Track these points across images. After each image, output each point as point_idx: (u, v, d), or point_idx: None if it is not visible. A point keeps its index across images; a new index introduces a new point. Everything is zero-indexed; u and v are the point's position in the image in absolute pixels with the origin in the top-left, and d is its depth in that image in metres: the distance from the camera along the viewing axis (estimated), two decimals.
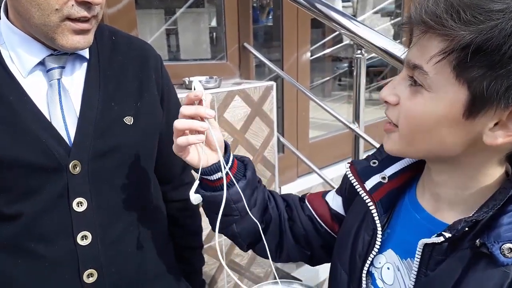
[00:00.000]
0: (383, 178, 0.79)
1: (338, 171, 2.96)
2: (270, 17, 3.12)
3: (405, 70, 0.65)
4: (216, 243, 1.95)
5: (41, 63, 0.89)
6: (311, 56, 3.10)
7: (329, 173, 2.57)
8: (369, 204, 0.78)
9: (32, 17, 0.81)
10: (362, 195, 0.79)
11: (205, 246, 1.86)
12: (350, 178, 0.82)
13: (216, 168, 0.85)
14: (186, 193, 1.23)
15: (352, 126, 1.90)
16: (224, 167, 0.84)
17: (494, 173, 0.66)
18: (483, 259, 0.60)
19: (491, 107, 0.56)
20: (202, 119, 0.80)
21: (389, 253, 0.77)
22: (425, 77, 0.60)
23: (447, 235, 0.62)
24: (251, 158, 2.05)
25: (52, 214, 0.88)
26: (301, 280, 2.04)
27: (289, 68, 2.72)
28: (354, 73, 1.90)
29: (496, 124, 0.58)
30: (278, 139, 2.27)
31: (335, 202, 0.97)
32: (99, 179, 0.93)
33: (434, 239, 0.64)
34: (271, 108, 2.12)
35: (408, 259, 0.73)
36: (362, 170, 0.82)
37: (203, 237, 1.74)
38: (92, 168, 0.91)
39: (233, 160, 0.89)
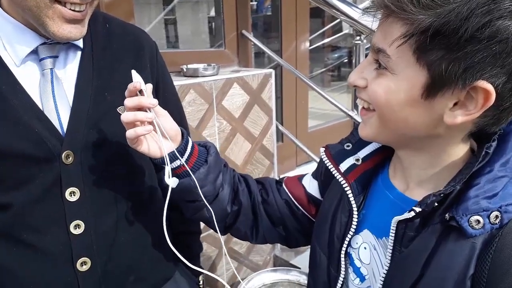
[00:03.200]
0: (357, 160, 0.82)
1: None
2: (269, 6, 3.10)
3: (371, 54, 0.68)
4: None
5: (34, 52, 0.88)
6: (310, 45, 3.08)
7: None
8: (344, 186, 0.80)
9: None
10: (337, 177, 0.82)
11: (204, 234, 1.86)
12: (325, 162, 0.84)
13: (173, 156, 0.87)
14: None
15: (351, 113, 1.89)
16: (178, 157, 0.87)
17: (458, 151, 0.69)
18: (453, 233, 0.63)
19: (449, 88, 0.59)
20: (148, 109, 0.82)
21: (365, 233, 0.80)
22: (388, 60, 0.63)
23: (418, 209, 0.65)
24: (249, 146, 2.05)
25: (45, 204, 0.88)
26: (299, 268, 2.05)
27: (288, 58, 2.71)
28: (353, 60, 1.89)
29: (455, 104, 0.61)
30: (277, 127, 2.26)
31: (311, 185, 0.99)
32: (92, 169, 0.92)
33: (406, 215, 0.67)
34: (270, 96, 2.11)
35: (384, 238, 0.75)
36: (336, 153, 0.84)
37: (202, 225, 1.74)
38: (85, 157, 0.90)
39: (192, 147, 0.91)
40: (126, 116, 0.81)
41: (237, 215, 0.99)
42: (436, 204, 0.64)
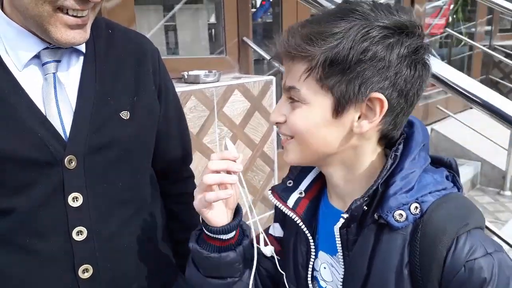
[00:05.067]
0: (300, 193, 0.88)
1: None
2: (269, 13, 3.11)
3: (284, 94, 0.79)
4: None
5: (37, 57, 0.87)
6: None
7: None
8: (295, 219, 0.86)
9: (26, 8, 0.79)
10: (288, 213, 0.86)
11: None
12: (274, 202, 0.88)
13: (230, 228, 0.85)
14: (184, 187, 1.24)
15: None
16: (243, 229, 0.90)
17: (373, 158, 0.79)
18: (385, 229, 0.73)
19: (351, 103, 0.71)
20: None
21: (322, 255, 0.87)
22: (299, 93, 0.74)
23: (345, 215, 0.75)
24: (250, 153, 2.04)
25: (47, 209, 0.87)
26: None
27: None
28: None
29: (359, 117, 0.73)
30: (278, 134, 2.25)
31: (277, 230, 1.01)
32: (95, 174, 0.91)
33: (339, 222, 0.76)
34: (271, 103, 2.11)
35: (336, 254, 0.82)
36: (282, 192, 0.89)
37: None
38: (88, 163, 0.89)
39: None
40: (211, 178, 0.80)
41: None
42: (365, 208, 0.74)
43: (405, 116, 0.76)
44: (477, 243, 0.68)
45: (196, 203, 0.84)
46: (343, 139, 0.75)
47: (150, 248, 1.08)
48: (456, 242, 0.68)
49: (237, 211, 0.89)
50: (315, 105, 0.73)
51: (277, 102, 2.28)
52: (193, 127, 1.73)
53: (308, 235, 0.86)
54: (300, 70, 0.73)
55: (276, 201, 0.88)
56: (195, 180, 1.30)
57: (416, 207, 0.71)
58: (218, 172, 0.81)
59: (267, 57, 2.29)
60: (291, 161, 0.82)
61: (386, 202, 0.71)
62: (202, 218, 0.86)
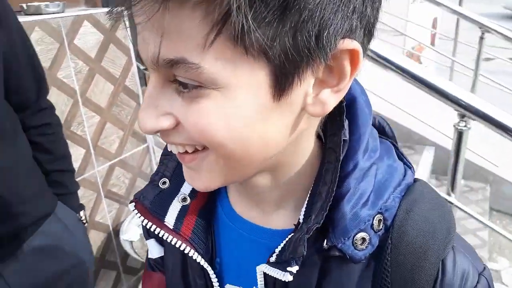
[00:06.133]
0: (184, 199, 0.57)
1: None
2: None
3: (155, 73, 0.42)
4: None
5: None
6: None
7: None
8: (181, 247, 0.56)
9: None
10: (168, 239, 0.56)
11: (79, 178, 1.80)
12: (143, 223, 0.57)
13: None
14: (44, 118, 1.21)
15: None
16: None
17: (311, 144, 0.51)
18: (334, 260, 0.48)
19: (305, 69, 0.39)
20: None
21: None
22: (198, 72, 0.38)
23: (294, 269, 0.46)
24: (112, 87, 1.97)
25: None
26: None
27: None
28: None
29: (313, 85, 0.42)
30: (139, 68, 2.21)
31: (154, 250, 0.69)
32: None
33: (277, 274, 0.48)
34: (125, 35, 2.03)
35: (254, 287, 0.55)
36: (154, 203, 0.57)
37: (76, 169, 1.68)
38: None
39: None
40: None
41: None
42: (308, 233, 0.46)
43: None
44: (466, 263, 0.47)
45: None
46: (291, 129, 0.44)
47: (18, 179, 1.05)
48: (443, 270, 0.46)
49: None
50: (238, 89, 0.39)
51: (132, 35, 2.18)
52: (44, 60, 1.60)
53: (206, 265, 0.56)
54: (192, 28, 0.36)
55: (146, 220, 0.56)
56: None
57: (380, 221, 0.46)
58: None
59: None
60: (208, 186, 0.48)
61: (341, 223, 0.45)
62: None
